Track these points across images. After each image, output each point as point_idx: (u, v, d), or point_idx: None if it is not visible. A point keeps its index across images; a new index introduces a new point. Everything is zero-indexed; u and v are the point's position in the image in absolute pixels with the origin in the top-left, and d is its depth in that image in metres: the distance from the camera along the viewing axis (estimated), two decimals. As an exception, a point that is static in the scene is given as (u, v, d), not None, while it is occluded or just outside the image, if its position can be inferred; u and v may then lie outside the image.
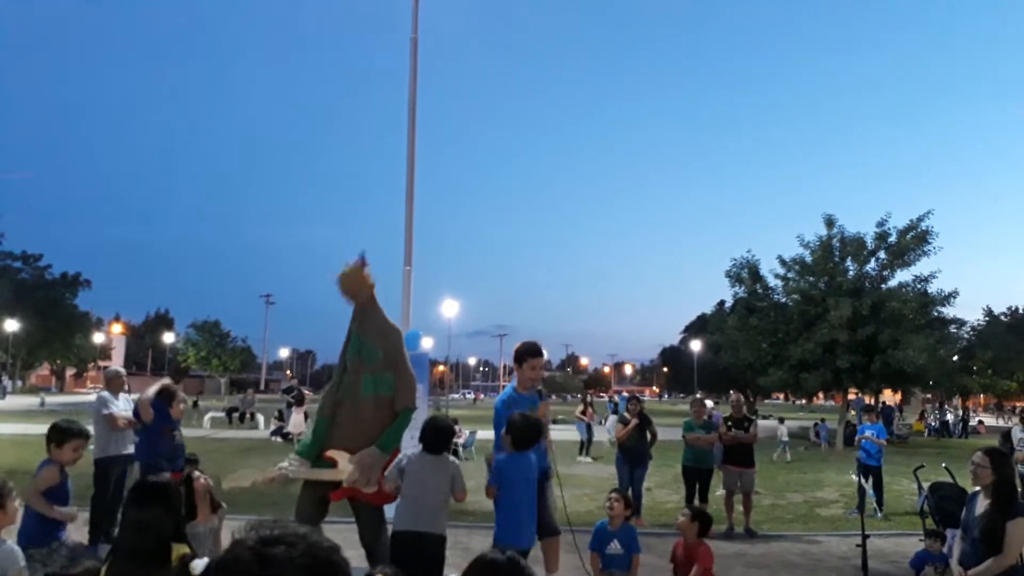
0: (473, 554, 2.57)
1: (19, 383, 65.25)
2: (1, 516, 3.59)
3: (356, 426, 5.62)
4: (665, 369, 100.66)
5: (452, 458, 5.37)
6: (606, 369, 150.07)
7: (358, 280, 5.79)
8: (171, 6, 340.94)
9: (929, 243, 24.91)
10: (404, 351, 5.91)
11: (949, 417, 37.96)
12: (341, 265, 5.82)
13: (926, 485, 10.52)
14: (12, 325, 52.78)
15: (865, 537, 6.92)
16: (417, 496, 4.95)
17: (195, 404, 41.19)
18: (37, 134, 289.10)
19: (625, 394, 19.76)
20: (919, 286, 25.13)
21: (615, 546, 6.00)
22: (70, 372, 77.07)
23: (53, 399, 51.01)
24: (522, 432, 5.25)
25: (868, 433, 12.10)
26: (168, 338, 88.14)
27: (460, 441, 19.86)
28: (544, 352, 6.26)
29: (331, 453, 5.53)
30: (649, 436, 10.69)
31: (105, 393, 8.36)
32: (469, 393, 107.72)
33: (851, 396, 29.00)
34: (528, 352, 5.96)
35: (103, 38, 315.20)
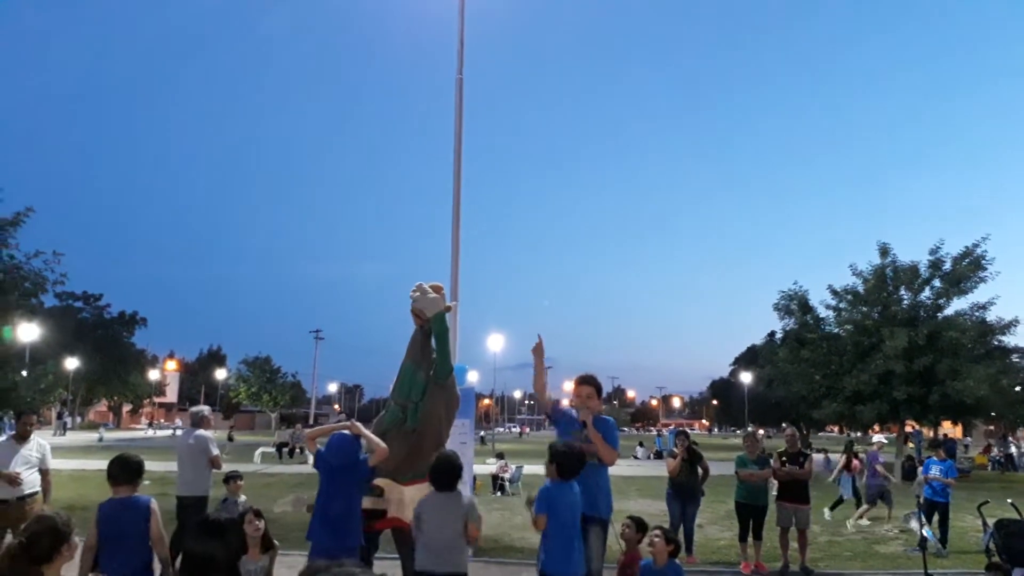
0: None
1: (78, 419, 67.04)
2: (66, 551, 3.57)
3: (405, 456, 5.80)
4: (715, 402, 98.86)
5: (465, 493, 5.34)
6: (654, 402, 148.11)
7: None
8: (221, 50, 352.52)
9: (985, 269, 24.27)
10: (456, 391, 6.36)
11: (1013, 450, 36.47)
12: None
13: (991, 522, 10.14)
14: (73, 363, 54.32)
15: (928, 576, 6.67)
16: (433, 536, 4.90)
17: (230, 438, 41.54)
18: (97, 178, 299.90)
19: (673, 427, 19.48)
20: (977, 314, 24.43)
21: None
22: (126, 408, 78.87)
23: (111, 435, 52.23)
24: (566, 460, 5.20)
25: (935, 471, 11.71)
26: (220, 374, 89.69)
27: (507, 476, 19.78)
28: (596, 382, 6.09)
29: (379, 481, 5.62)
30: (701, 471, 10.50)
31: (209, 433, 8.53)
32: (515, 427, 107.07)
33: (908, 428, 28.15)
34: (576, 381, 6.16)
35: (156, 84, 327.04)
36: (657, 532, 6.20)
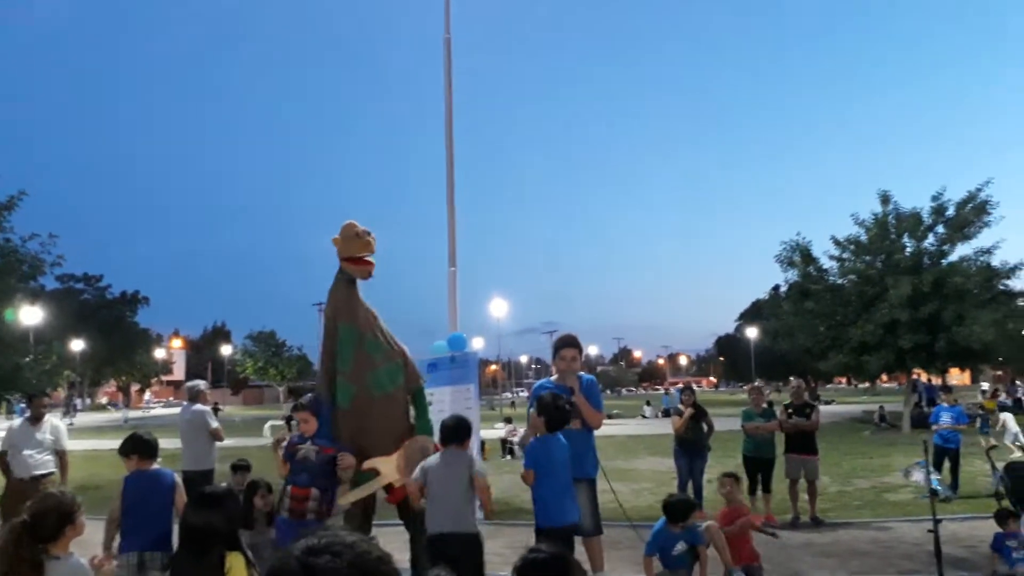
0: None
1: (87, 401, 67.61)
2: (71, 530, 3.61)
3: (379, 428, 5.61)
4: (721, 358, 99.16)
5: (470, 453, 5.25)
6: (660, 361, 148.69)
7: (370, 243, 5.73)
8: (207, 18, 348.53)
9: (990, 214, 24.06)
10: (388, 330, 5.93)
11: (1021, 394, 36.55)
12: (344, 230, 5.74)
13: (1000, 465, 10.16)
14: (78, 345, 54.51)
15: (937, 522, 6.65)
16: (440, 495, 4.90)
17: (215, 410, 41.69)
18: (89, 158, 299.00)
19: (680, 385, 19.47)
20: (982, 259, 24.28)
21: (681, 547, 5.83)
22: (135, 388, 79.43)
23: (119, 414, 52.60)
24: (554, 413, 5.22)
25: (946, 419, 11.70)
26: (226, 350, 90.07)
27: (515, 439, 19.89)
28: (579, 343, 6.11)
29: (370, 463, 5.55)
30: (706, 427, 10.49)
31: (207, 407, 8.65)
32: (522, 391, 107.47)
33: (915, 376, 28.16)
34: (560, 344, 6.06)
35: (143, 58, 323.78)
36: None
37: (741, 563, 6.19)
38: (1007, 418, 18.19)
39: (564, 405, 5.30)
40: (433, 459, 5.08)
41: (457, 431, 5.08)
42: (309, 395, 5.83)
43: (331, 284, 5.81)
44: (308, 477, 5.33)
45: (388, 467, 5.54)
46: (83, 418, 50.50)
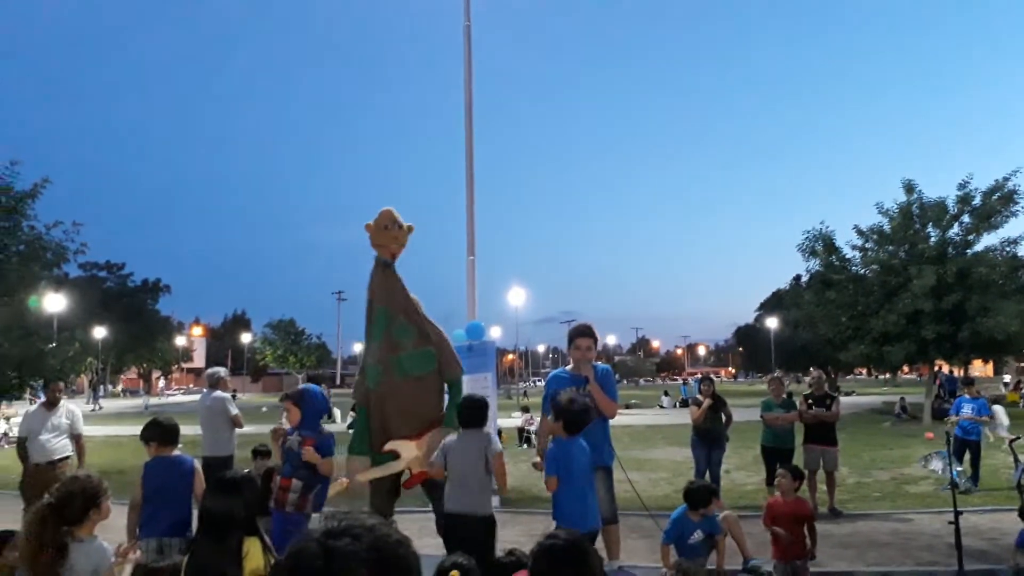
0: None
1: (109, 387, 68.41)
2: (95, 514, 3.65)
3: (403, 411, 5.64)
4: (740, 349, 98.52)
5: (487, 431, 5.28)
6: (679, 351, 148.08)
7: (398, 236, 5.77)
8: (210, 15, 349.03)
9: (1017, 203, 23.64)
10: (431, 319, 5.94)
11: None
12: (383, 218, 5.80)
13: (1023, 458, 10.06)
14: (101, 332, 55.10)
15: (958, 514, 6.59)
16: (460, 476, 4.95)
17: (233, 395, 42.21)
18: (112, 148, 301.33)
19: (699, 375, 19.10)
20: (1008, 249, 23.91)
21: (698, 535, 5.86)
22: (156, 375, 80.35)
23: (141, 400, 53.19)
24: (573, 415, 5.07)
25: (967, 410, 11.56)
26: (246, 338, 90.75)
27: (532, 428, 19.93)
28: (594, 332, 6.10)
29: (391, 445, 5.58)
30: (724, 418, 10.44)
31: (227, 394, 8.72)
32: (539, 380, 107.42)
33: (936, 367, 27.83)
34: (575, 333, 6.05)
35: (161, 51, 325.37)
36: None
37: (792, 558, 6.12)
38: (998, 410, 17.96)
39: (581, 405, 5.12)
40: (452, 438, 5.13)
41: (473, 414, 5.11)
42: (303, 386, 5.90)
43: (371, 267, 5.91)
44: (290, 468, 5.38)
45: (408, 451, 5.56)
46: (104, 404, 51.11)
